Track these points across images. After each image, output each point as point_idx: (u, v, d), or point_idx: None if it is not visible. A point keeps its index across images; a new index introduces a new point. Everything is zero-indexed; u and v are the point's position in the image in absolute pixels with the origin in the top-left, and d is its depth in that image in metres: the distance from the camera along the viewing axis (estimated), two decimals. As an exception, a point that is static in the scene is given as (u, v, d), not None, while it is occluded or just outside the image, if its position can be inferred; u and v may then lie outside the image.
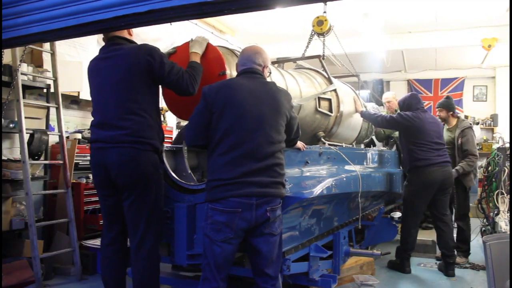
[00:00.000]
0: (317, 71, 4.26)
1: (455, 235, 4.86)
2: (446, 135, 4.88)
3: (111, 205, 2.72)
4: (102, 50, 2.76)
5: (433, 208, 4.44)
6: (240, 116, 2.38)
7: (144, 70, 2.56)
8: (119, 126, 2.55)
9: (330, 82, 4.07)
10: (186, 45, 2.92)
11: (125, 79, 2.57)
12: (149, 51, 2.58)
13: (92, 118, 2.72)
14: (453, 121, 4.94)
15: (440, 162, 4.28)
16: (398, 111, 5.32)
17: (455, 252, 4.51)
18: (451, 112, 4.93)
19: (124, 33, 2.76)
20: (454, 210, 4.95)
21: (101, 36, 5.14)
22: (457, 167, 4.58)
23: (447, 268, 4.32)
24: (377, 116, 4.40)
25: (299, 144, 3.01)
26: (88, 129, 4.88)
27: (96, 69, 2.72)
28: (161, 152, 2.72)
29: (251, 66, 2.57)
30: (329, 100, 3.88)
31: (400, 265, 4.37)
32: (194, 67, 2.69)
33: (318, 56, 4.33)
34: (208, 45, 2.88)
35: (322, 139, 3.81)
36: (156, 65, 2.56)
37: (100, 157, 2.62)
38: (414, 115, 4.30)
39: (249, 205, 2.31)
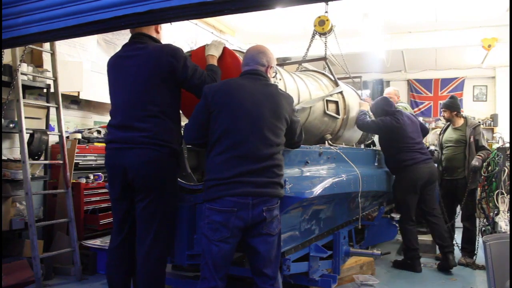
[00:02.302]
0: (322, 73, 4.26)
1: (460, 236, 4.88)
2: (454, 134, 4.90)
3: (124, 207, 2.67)
4: (124, 47, 2.69)
5: (422, 204, 4.51)
6: (238, 117, 2.38)
7: (166, 72, 2.52)
8: (139, 128, 2.50)
9: (336, 84, 4.08)
10: (201, 49, 2.89)
11: (146, 80, 2.52)
12: (173, 52, 2.54)
13: (110, 117, 2.67)
14: (460, 121, 4.94)
15: (425, 160, 4.42)
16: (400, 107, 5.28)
17: (452, 242, 4.60)
18: (455, 112, 4.93)
19: (151, 30, 2.69)
20: (461, 211, 4.94)
21: (101, 36, 5.20)
22: (477, 156, 4.60)
23: (447, 259, 4.35)
24: (361, 119, 4.29)
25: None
26: (89, 129, 4.88)
27: (117, 67, 2.66)
28: (179, 156, 2.68)
29: (254, 67, 2.55)
30: (336, 102, 3.88)
31: (411, 265, 4.38)
32: (214, 71, 2.66)
33: (323, 59, 4.33)
34: (225, 49, 2.85)
35: (329, 142, 3.82)
36: (179, 68, 2.52)
37: (117, 157, 2.56)
38: (394, 120, 4.33)
39: (245, 205, 2.31)
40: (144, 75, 2.52)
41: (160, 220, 2.57)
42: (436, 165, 4.90)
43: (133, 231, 2.67)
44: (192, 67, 2.56)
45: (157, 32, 2.75)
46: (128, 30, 2.70)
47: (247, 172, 2.33)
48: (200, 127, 2.46)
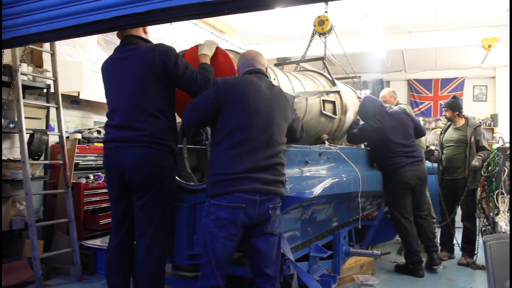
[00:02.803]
0: (320, 73, 4.26)
1: (460, 236, 4.87)
2: (455, 134, 4.89)
3: (123, 207, 2.67)
4: (117, 50, 2.72)
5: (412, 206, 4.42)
6: (252, 113, 2.40)
7: (160, 70, 2.54)
8: (137, 128, 2.52)
9: (333, 84, 4.07)
10: (194, 49, 2.90)
11: (141, 80, 2.54)
12: (165, 51, 2.56)
13: (107, 119, 2.68)
14: (461, 121, 4.93)
15: (411, 163, 4.26)
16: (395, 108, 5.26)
17: (436, 242, 4.57)
18: (457, 112, 4.93)
19: (140, 31, 2.72)
20: (461, 211, 4.93)
21: (101, 36, 5.20)
22: (477, 157, 4.58)
23: (432, 258, 4.34)
24: (352, 126, 4.28)
25: None
26: (89, 129, 4.88)
27: (111, 69, 2.69)
28: (176, 153, 2.69)
29: (258, 67, 2.62)
30: (333, 102, 3.88)
31: (413, 269, 4.28)
32: (206, 69, 2.67)
33: (321, 58, 4.32)
34: (218, 49, 2.87)
35: (326, 142, 3.81)
36: (171, 65, 2.54)
37: (115, 156, 2.57)
38: (373, 127, 4.21)
39: (253, 201, 2.32)
40: (138, 75, 2.54)
41: (159, 218, 2.58)
42: (434, 165, 4.92)
43: (132, 230, 2.68)
44: (183, 65, 2.58)
45: (145, 32, 2.78)
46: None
47: (255, 168, 2.35)
48: (204, 115, 2.47)
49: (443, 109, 5.13)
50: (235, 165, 2.33)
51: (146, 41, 2.73)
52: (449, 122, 5.06)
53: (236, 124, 2.39)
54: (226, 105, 2.40)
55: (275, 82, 3.07)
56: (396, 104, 5.34)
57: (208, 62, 2.75)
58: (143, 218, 2.59)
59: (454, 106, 4.92)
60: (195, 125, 2.64)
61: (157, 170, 2.55)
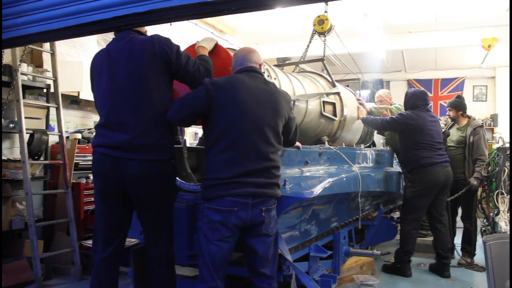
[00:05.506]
0: (320, 75, 4.25)
1: (460, 236, 4.86)
2: (457, 135, 4.86)
3: (119, 215, 2.48)
4: (112, 42, 2.53)
5: (432, 208, 4.38)
6: (241, 115, 2.36)
7: (161, 61, 2.38)
8: (132, 127, 2.34)
9: (333, 86, 4.07)
10: (192, 47, 2.87)
11: (141, 72, 2.36)
12: (165, 41, 2.42)
13: (99, 117, 2.50)
14: (464, 121, 4.89)
15: (442, 162, 4.28)
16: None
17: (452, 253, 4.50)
18: (461, 112, 4.89)
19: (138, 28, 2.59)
20: (461, 211, 4.92)
21: (101, 36, 5.20)
22: (475, 175, 4.53)
23: (443, 269, 4.29)
24: (378, 120, 4.36)
25: (297, 143, 2.98)
26: (89, 129, 4.88)
27: (105, 61, 2.47)
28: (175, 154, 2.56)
29: (249, 64, 2.55)
30: (333, 104, 3.88)
31: (401, 269, 4.28)
32: (206, 61, 2.57)
33: (321, 60, 4.32)
34: (218, 46, 2.82)
35: (326, 143, 3.81)
36: (173, 55, 2.40)
37: (113, 164, 2.36)
38: (415, 114, 4.26)
39: (244, 205, 2.31)
40: (137, 67, 2.37)
41: (169, 226, 2.52)
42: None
43: (124, 241, 2.58)
44: (185, 55, 2.47)
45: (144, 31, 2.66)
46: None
47: (247, 173, 2.32)
48: (191, 114, 2.40)
49: (446, 109, 5.11)
50: (226, 169, 2.31)
51: (142, 34, 2.57)
52: (453, 122, 5.03)
53: (224, 128, 2.34)
54: (215, 108, 2.35)
55: (275, 82, 3.06)
56: (391, 105, 5.34)
57: (206, 54, 2.66)
58: (151, 229, 2.49)
59: (458, 106, 4.88)
60: (179, 121, 2.47)
61: (162, 185, 2.44)
